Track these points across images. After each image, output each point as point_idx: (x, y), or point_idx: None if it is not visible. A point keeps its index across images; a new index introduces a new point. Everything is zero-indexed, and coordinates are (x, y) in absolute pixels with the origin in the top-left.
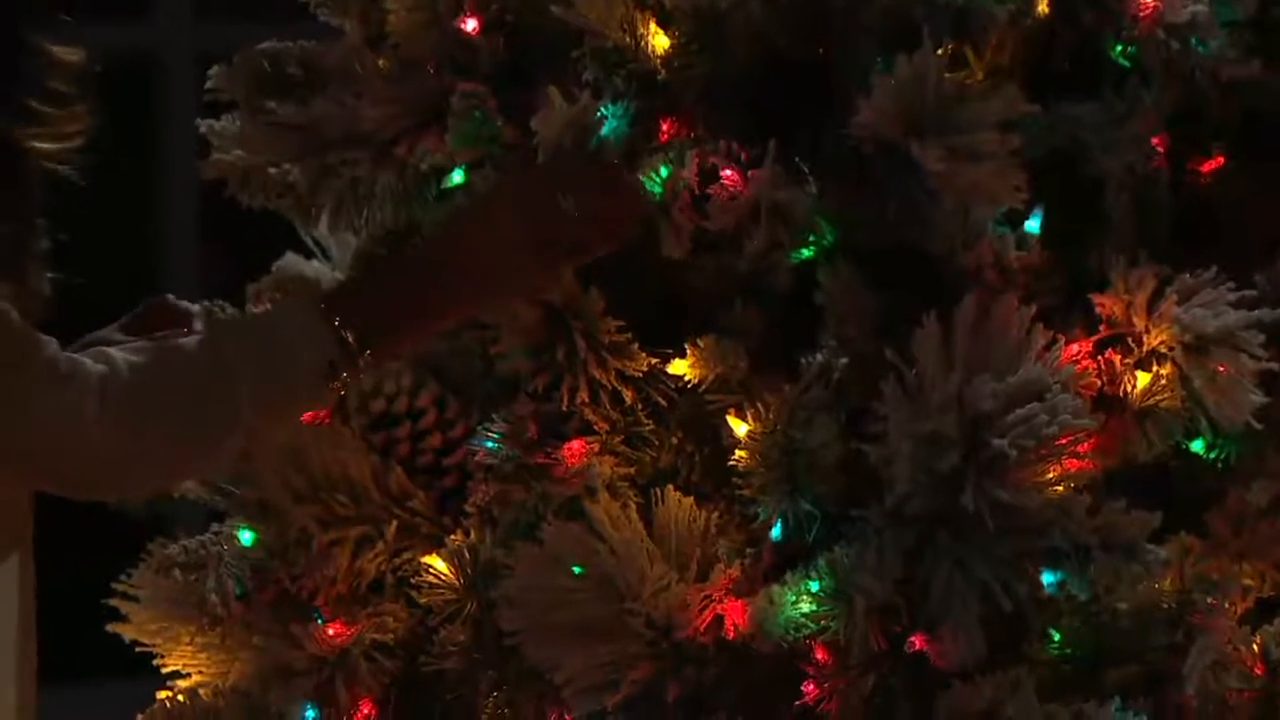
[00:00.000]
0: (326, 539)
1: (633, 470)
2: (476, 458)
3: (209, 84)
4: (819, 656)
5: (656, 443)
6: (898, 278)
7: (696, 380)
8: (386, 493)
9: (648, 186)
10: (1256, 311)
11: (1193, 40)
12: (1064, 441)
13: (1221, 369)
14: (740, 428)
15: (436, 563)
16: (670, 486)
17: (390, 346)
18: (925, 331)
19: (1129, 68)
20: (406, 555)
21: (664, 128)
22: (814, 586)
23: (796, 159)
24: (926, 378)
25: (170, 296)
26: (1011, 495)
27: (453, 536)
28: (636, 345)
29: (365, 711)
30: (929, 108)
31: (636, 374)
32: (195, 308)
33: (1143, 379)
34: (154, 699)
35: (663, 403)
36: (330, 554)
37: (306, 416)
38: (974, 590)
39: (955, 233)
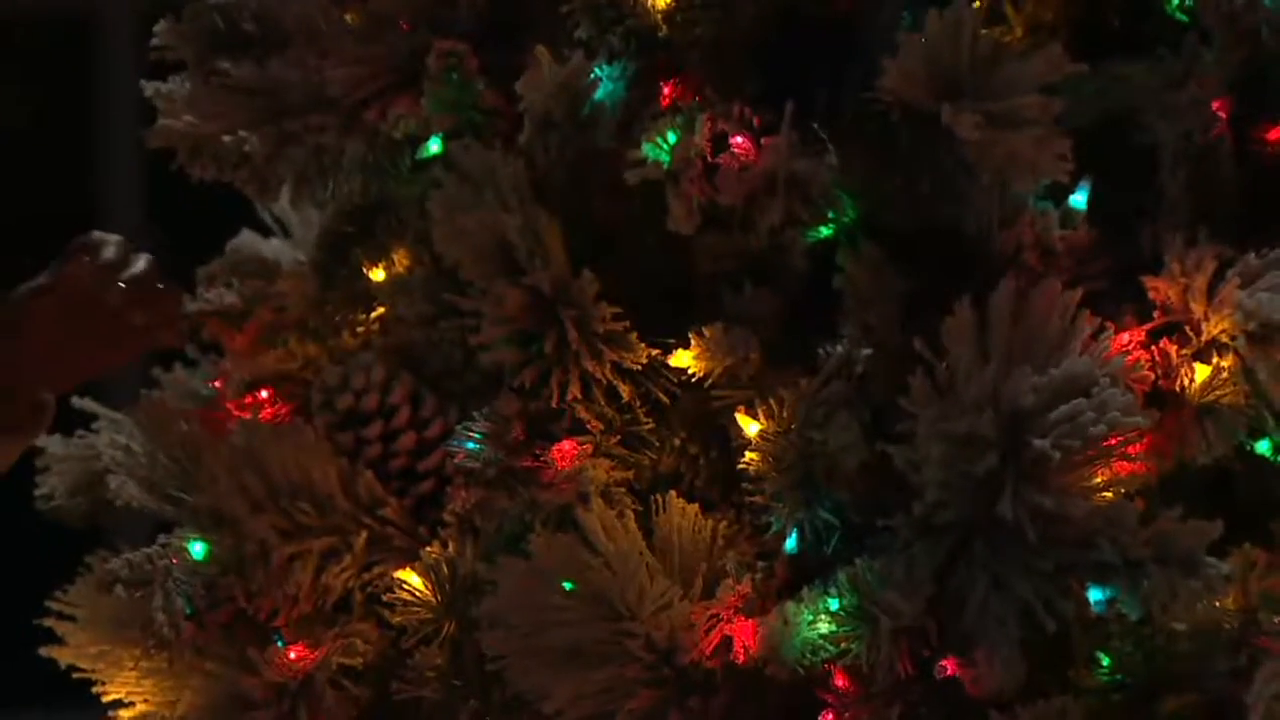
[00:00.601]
0: (287, 551)
1: (630, 474)
2: (455, 460)
3: (154, 41)
4: (839, 683)
5: (657, 444)
6: (927, 259)
7: (702, 374)
8: (355, 500)
9: (652, 155)
10: None
11: None
12: (1113, 442)
13: None
14: (751, 427)
15: (411, 578)
16: (673, 493)
17: None
18: (958, 319)
19: (1187, 23)
20: (377, 570)
21: (665, 91)
22: (833, 604)
23: (815, 126)
24: (959, 371)
25: (96, 233)
26: (1054, 502)
27: (429, 549)
28: (634, 334)
29: None
30: (963, 69)
31: (634, 367)
32: (114, 238)
33: (1201, 372)
34: None
35: (664, 399)
36: (291, 569)
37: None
38: (1013, 609)
39: (991, 209)
